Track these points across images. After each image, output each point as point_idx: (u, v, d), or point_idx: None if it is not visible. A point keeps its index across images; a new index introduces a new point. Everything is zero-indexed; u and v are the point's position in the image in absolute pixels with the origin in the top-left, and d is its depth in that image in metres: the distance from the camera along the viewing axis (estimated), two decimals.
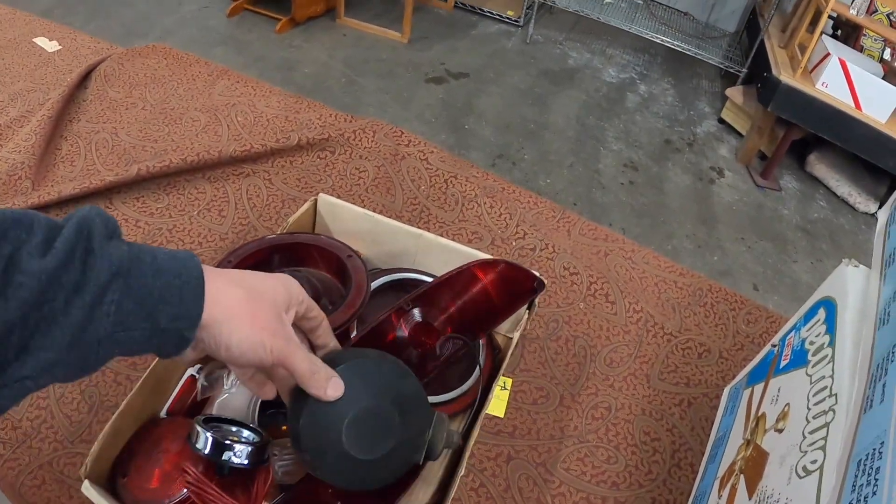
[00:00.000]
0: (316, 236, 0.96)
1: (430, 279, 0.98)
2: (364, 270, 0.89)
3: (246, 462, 0.59)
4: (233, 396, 0.69)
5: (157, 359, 0.76)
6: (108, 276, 0.42)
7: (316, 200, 1.07)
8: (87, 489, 0.64)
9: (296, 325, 0.58)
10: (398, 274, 0.95)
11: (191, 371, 0.79)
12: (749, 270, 1.77)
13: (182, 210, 1.31)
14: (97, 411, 0.94)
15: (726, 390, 1.10)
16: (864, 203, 2.20)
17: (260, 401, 0.69)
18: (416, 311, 0.81)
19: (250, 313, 0.50)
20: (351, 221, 1.05)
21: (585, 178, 1.99)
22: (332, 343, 0.62)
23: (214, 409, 0.68)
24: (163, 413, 0.75)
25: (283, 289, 0.55)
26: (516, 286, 0.81)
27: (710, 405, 1.06)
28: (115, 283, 0.43)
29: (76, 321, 0.41)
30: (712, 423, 1.05)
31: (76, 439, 0.91)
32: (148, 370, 0.77)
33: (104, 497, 0.63)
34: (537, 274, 0.80)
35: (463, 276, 0.80)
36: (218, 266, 0.90)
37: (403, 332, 0.81)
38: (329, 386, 0.55)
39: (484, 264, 0.81)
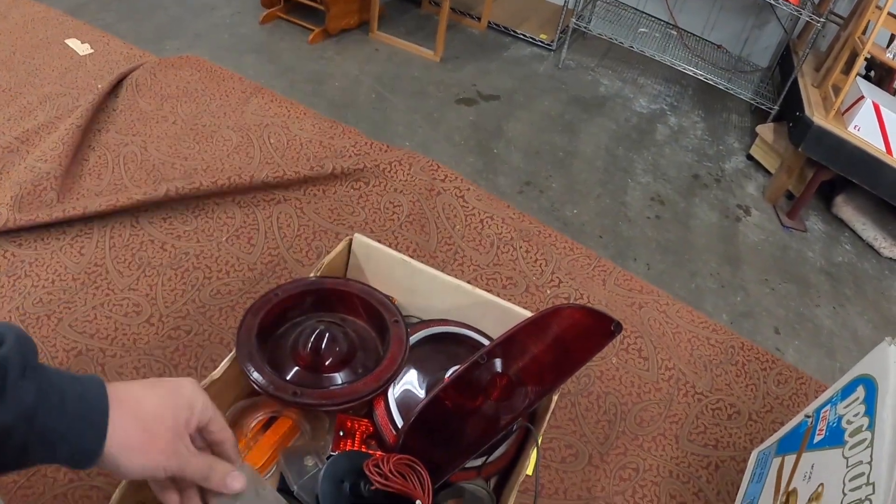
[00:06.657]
0: (370, 289, 0.95)
1: (473, 333, 0.96)
2: (403, 342, 0.88)
3: None
4: None
5: None
6: (13, 419, 0.47)
7: (351, 240, 1.04)
8: None
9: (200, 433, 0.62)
10: (440, 327, 0.93)
11: None
12: (771, 313, 1.76)
13: (210, 235, 1.30)
14: None
15: (754, 454, 1.10)
16: (889, 248, 2.19)
17: None
18: (497, 363, 0.78)
19: (146, 442, 0.54)
20: (387, 266, 1.02)
21: (612, 211, 1.98)
22: (235, 459, 0.64)
23: None
24: None
25: (185, 406, 0.58)
26: (594, 331, 0.78)
27: (738, 468, 1.06)
28: (20, 425, 0.47)
29: None
30: (738, 488, 1.05)
31: (94, 472, 0.88)
32: None
33: None
34: (614, 317, 0.78)
35: (538, 324, 0.77)
36: (262, 299, 0.92)
37: (480, 386, 0.78)
38: (228, 479, 0.59)
39: (559, 310, 0.77)
